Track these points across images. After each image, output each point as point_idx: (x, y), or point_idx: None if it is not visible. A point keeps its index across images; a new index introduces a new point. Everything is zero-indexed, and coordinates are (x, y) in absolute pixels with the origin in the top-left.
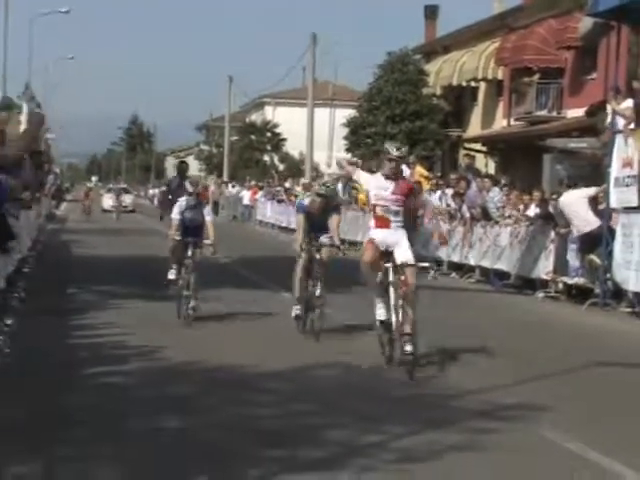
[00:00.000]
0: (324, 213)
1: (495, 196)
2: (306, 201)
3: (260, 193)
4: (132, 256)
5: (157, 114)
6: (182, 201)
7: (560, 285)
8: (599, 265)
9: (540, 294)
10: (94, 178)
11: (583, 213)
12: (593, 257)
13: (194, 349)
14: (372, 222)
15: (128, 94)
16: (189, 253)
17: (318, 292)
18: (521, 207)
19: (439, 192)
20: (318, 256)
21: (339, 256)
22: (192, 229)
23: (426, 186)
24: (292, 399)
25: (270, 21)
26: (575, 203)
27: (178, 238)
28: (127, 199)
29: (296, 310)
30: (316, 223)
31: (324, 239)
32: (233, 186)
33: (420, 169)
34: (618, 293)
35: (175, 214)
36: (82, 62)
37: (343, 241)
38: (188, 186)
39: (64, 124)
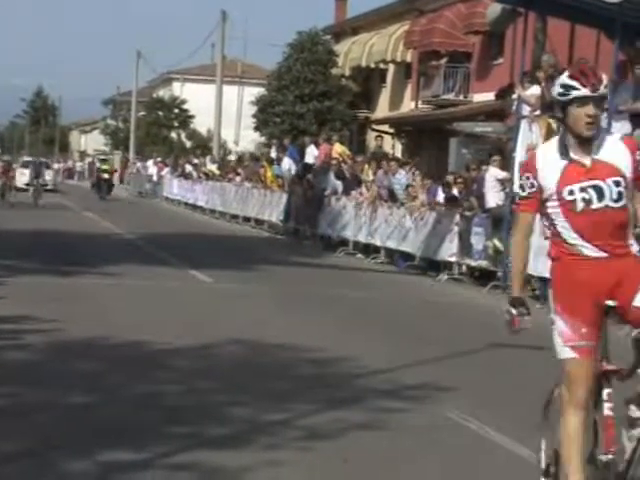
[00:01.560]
0: None
1: (402, 178)
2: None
3: (166, 169)
4: (44, 230)
5: (63, 87)
6: None
7: (464, 267)
8: (501, 249)
9: (444, 276)
10: None
11: (493, 192)
12: (495, 241)
13: (96, 325)
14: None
15: (32, 66)
16: None
17: None
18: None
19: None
20: None
21: None
22: None
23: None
24: (197, 376)
25: None
26: (490, 180)
27: None
28: (47, 176)
29: None
30: None
31: None
32: (140, 160)
33: (339, 147)
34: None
35: None
36: None
37: None
38: None
39: None
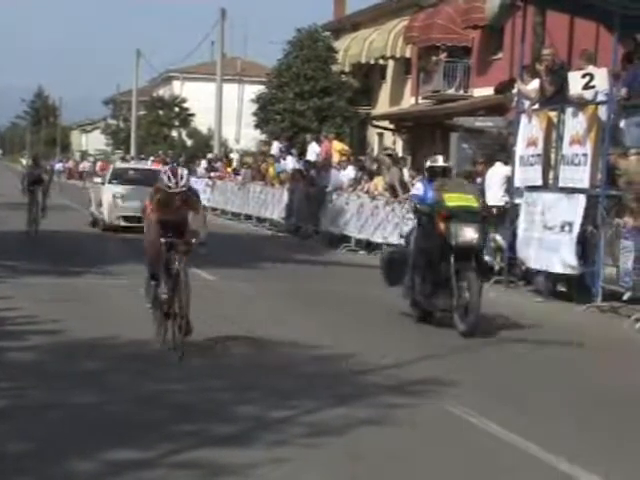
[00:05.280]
0: None
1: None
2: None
3: (165, 168)
4: (47, 230)
5: (63, 87)
6: None
7: None
8: (501, 244)
9: None
10: None
11: (496, 188)
12: (497, 237)
13: (101, 324)
14: None
15: (32, 66)
16: None
17: None
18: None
19: (350, 168)
20: None
21: None
22: None
23: (336, 159)
24: (202, 375)
25: None
26: (494, 177)
27: None
28: None
29: None
30: None
31: None
32: (142, 159)
33: (338, 144)
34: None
35: None
36: None
37: None
38: None
39: None
